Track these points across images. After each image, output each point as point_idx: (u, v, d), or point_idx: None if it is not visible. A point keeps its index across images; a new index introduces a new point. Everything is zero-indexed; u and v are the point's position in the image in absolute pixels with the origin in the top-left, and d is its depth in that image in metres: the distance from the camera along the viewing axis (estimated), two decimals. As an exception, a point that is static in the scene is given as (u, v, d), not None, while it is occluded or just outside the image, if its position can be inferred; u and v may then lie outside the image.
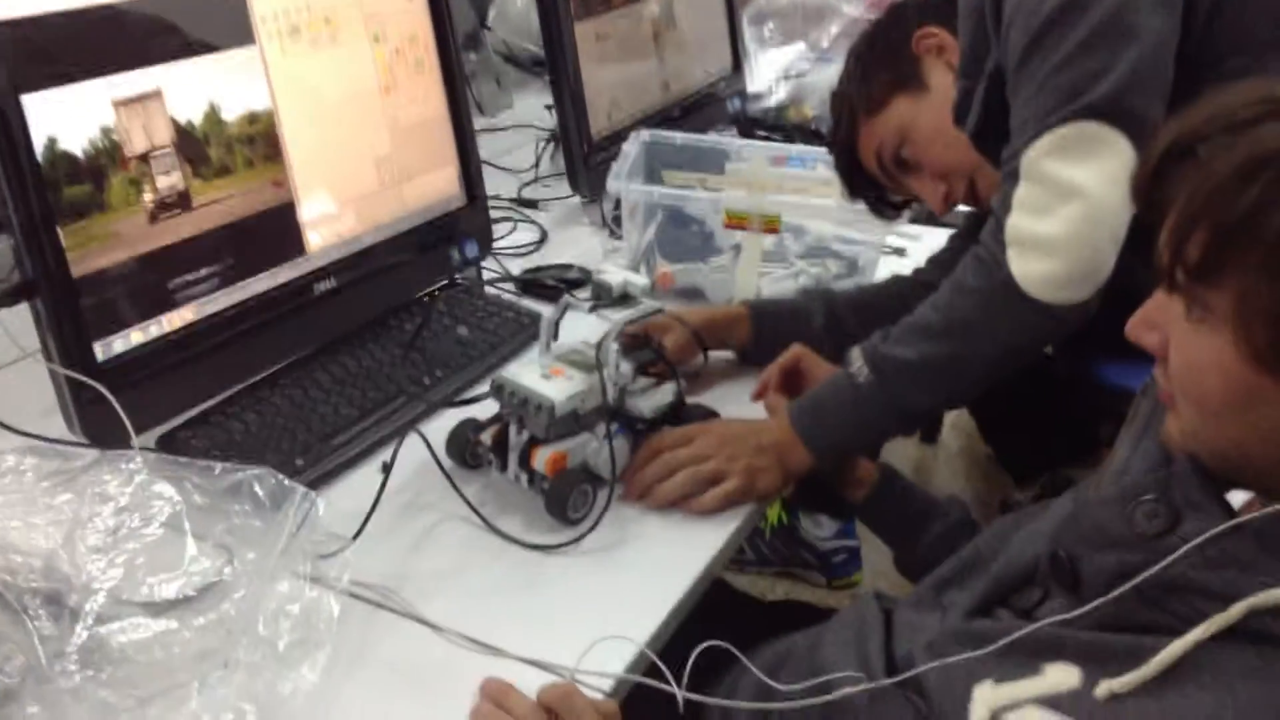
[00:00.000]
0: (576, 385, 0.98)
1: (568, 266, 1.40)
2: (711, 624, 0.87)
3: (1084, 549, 0.74)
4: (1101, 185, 0.97)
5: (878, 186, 1.31)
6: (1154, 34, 0.98)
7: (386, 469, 0.96)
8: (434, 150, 1.27)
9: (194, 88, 1.00)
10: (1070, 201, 0.98)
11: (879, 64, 1.25)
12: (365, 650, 0.83)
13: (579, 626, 0.84)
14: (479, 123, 1.91)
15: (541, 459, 0.97)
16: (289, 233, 1.10)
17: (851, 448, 1.09)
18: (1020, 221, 1.00)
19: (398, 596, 0.88)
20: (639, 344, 1.07)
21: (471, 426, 1.03)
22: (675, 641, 0.89)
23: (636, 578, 0.92)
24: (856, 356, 1.06)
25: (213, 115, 1.02)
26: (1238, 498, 0.71)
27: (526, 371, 0.99)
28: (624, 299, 1.06)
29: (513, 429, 0.99)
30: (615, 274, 1.06)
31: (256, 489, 0.74)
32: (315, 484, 0.98)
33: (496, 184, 1.65)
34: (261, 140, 1.06)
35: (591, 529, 0.95)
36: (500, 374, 0.99)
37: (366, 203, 1.18)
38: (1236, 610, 0.63)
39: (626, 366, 1.02)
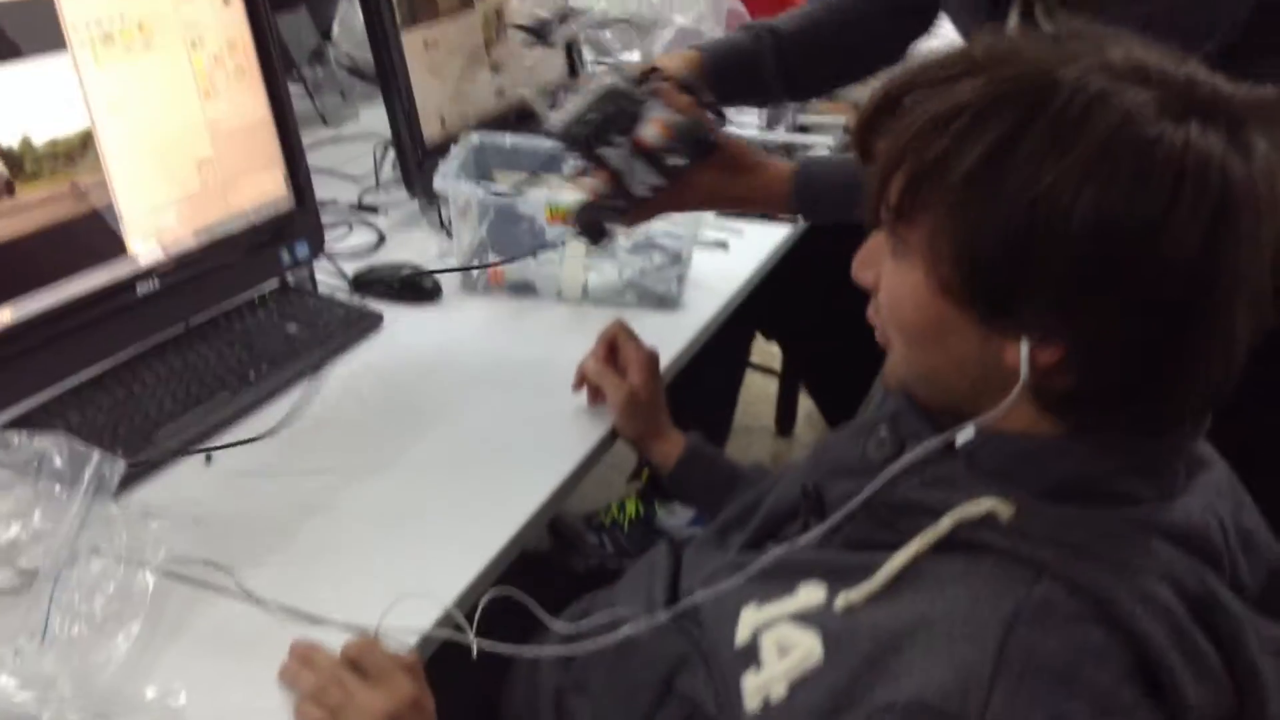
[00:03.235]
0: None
1: (400, 265, 1.45)
2: (530, 592, 0.93)
3: (827, 478, 0.82)
4: None
5: None
6: None
7: (209, 458, 1.00)
8: (259, 154, 1.31)
9: (3, 95, 1.03)
10: None
11: None
12: (181, 622, 0.87)
13: (391, 588, 0.89)
14: (324, 134, 1.95)
15: (650, 131, 1.03)
16: (107, 235, 1.13)
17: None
18: None
19: (212, 570, 0.92)
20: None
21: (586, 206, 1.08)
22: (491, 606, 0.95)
23: (451, 542, 0.98)
24: None
25: (24, 122, 1.04)
26: (969, 433, 0.80)
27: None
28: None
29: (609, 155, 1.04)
30: None
31: (54, 457, 0.78)
32: (137, 475, 1.01)
33: (339, 190, 1.70)
34: (77, 145, 1.09)
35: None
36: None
37: (189, 205, 1.22)
38: (945, 523, 0.71)
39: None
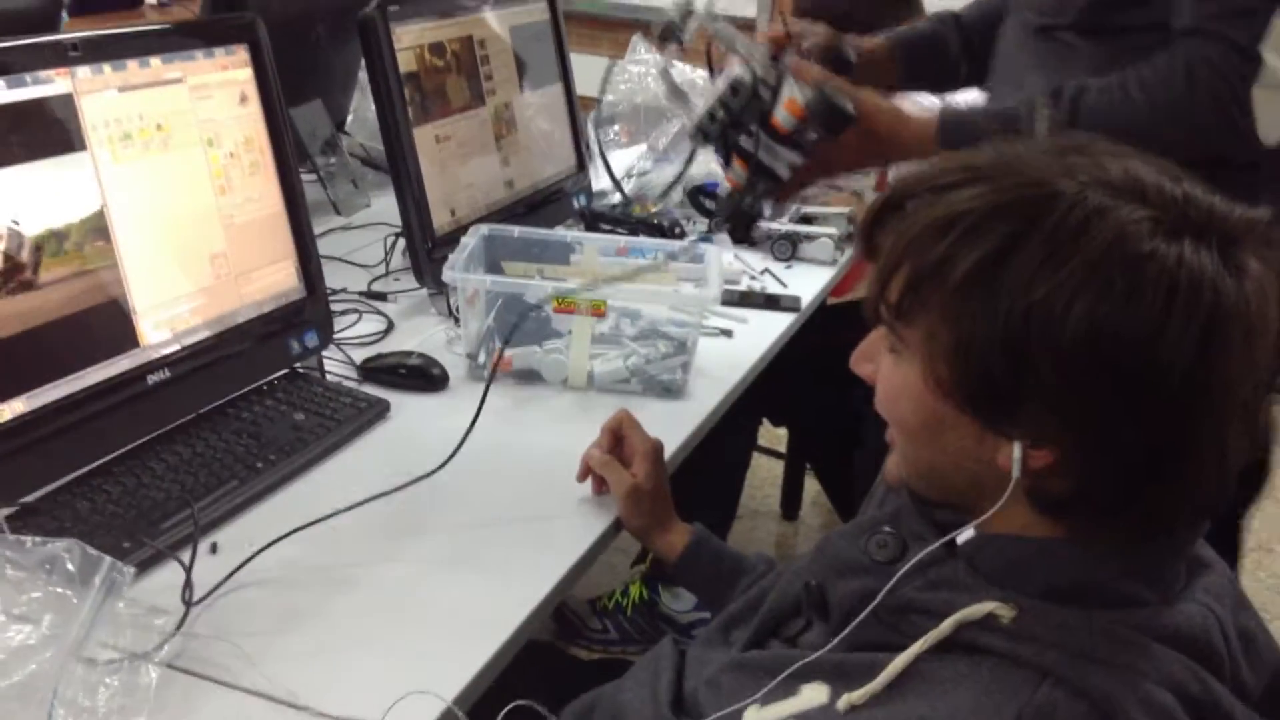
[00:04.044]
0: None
1: (409, 353, 1.47)
2: (541, 682, 0.93)
3: (830, 576, 0.82)
4: None
5: None
6: None
7: (214, 549, 1.01)
8: (271, 246, 1.33)
9: (24, 192, 1.05)
10: None
11: None
12: (184, 716, 0.87)
13: (395, 682, 0.89)
14: (335, 222, 1.99)
15: (783, 115, 1.07)
16: (122, 327, 1.15)
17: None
18: (1276, 62, 1.02)
19: (217, 663, 0.92)
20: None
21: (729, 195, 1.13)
22: (497, 695, 0.95)
23: (455, 634, 0.98)
24: (1042, 104, 1.09)
25: (44, 217, 1.07)
26: (968, 534, 0.81)
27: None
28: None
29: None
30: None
31: (67, 562, 0.79)
32: (143, 566, 1.01)
33: (349, 278, 1.72)
34: (93, 239, 1.12)
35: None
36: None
37: (202, 297, 1.24)
38: (947, 624, 0.72)
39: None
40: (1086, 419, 0.68)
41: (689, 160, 1.26)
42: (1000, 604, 0.71)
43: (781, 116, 1.10)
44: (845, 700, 0.74)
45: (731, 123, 1.10)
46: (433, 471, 1.17)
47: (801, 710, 0.77)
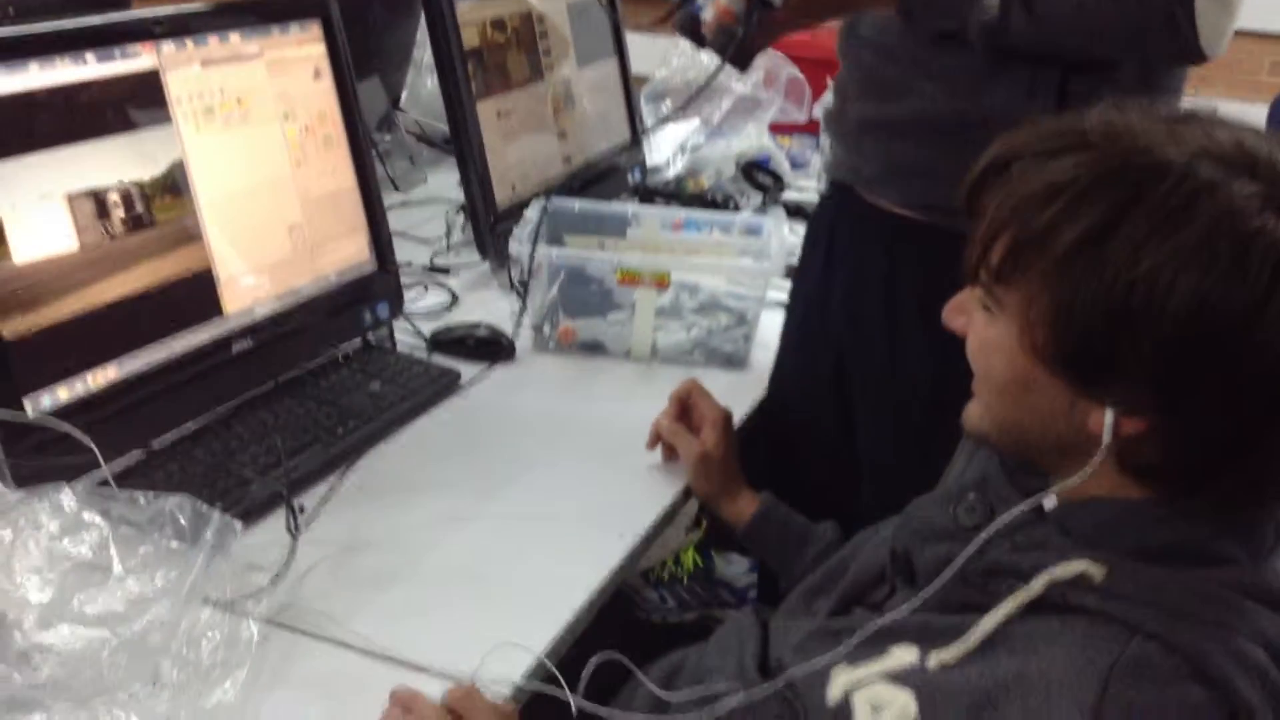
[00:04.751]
0: None
1: (476, 325, 1.49)
2: (616, 640, 0.96)
3: (916, 543, 0.84)
4: None
5: None
6: None
7: (301, 509, 1.04)
8: (345, 220, 1.36)
9: (115, 165, 1.08)
10: None
11: None
12: (283, 669, 0.90)
13: (483, 638, 0.92)
14: (394, 198, 2.01)
15: None
16: (207, 297, 1.18)
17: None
18: None
19: (313, 619, 0.95)
20: None
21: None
22: (576, 653, 0.97)
23: (536, 596, 1.01)
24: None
25: (134, 192, 1.10)
26: (1051, 501, 0.81)
27: None
28: None
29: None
30: None
31: (178, 516, 0.81)
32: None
33: (411, 253, 1.75)
34: (179, 212, 1.15)
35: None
36: None
37: (281, 268, 1.27)
38: (1038, 584, 0.73)
39: None
40: (1182, 392, 0.69)
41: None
42: (1091, 563, 0.72)
43: None
44: (936, 659, 0.75)
45: None
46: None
47: (892, 669, 0.78)
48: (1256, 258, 0.66)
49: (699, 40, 1.16)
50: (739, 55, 1.11)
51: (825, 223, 1.38)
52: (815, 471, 1.35)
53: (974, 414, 0.82)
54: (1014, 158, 0.75)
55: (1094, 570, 0.72)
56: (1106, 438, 0.72)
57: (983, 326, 0.78)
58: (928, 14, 1.14)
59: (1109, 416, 0.72)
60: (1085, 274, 0.69)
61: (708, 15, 1.12)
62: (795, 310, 1.44)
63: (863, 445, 1.33)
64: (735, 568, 2.09)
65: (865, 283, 1.28)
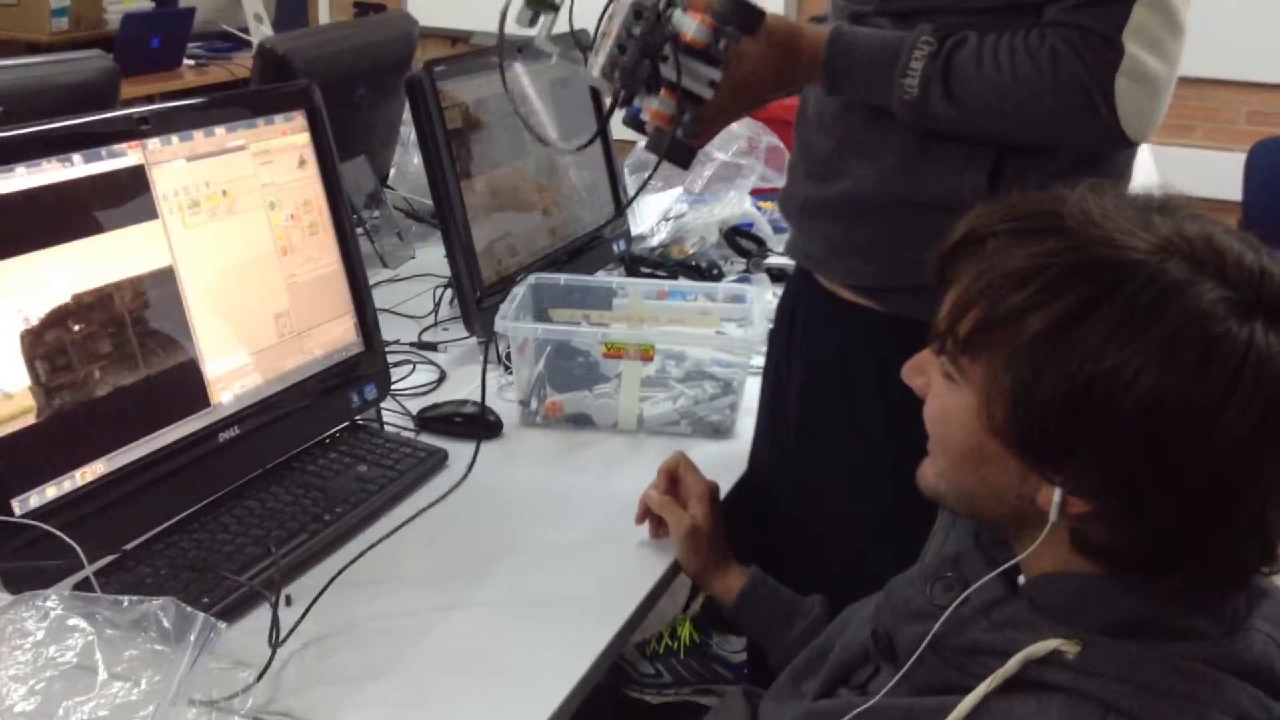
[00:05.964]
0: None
1: (463, 402, 1.50)
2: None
3: (897, 623, 0.84)
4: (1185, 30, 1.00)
5: None
6: None
7: (289, 601, 1.05)
8: (331, 303, 1.38)
9: (101, 263, 1.10)
10: (1180, 39, 1.00)
11: None
12: (270, 767, 0.90)
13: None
14: (382, 274, 2.04)
15: (692, 26, 1.04)
16: (195, 388, 1.19)
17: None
18: (1140, 53, 1.01)
19: (301, 713, 0.95)
20: None
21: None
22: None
23: (522, 683, 1.01)
24: (916, 69, 1.06)
25: (121, 289, 1.12)
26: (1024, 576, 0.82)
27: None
28: None
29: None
30: None
31: (162, 619, 0.82)
32: (221, 618, 1.05)
33: (400, 329, 1.77)
34: (165, 304, 1.16)
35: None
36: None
37: (267, 355, 1.28)
38: (1014, 662, 0.74)
39: None
40: (1129, 483, 0.70)
41: (607, 107, 1.18)
42: (1064, 640, 0.73)
43: (692, 29, 1.05)
44: (917, 741, 0.76)
45: (642, 51, 1.04)
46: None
47: (875, 752, 0.79)
48: (1218, 362, 0.67)
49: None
50: (678, 154, 1.11)
51: (788, 303, 1.40)
52: (789, 540, 1.35)
53: (929, 474, 0.83)
54: (989, 234, 0.76)
55: (1067, 648, 0.73)
56: (1053, 516, 0.74)
57: (943, 392, 0.79)
58: (853, 91, 1.14)
59: (1057, 495, 0.74)
60: (1049, 361, 0.70)
61: (645, 117, 1.12)
62: (764, 386, 1.44)
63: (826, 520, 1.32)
64: (732, 645, 2.08)
65: (820, 366, 1.29)
